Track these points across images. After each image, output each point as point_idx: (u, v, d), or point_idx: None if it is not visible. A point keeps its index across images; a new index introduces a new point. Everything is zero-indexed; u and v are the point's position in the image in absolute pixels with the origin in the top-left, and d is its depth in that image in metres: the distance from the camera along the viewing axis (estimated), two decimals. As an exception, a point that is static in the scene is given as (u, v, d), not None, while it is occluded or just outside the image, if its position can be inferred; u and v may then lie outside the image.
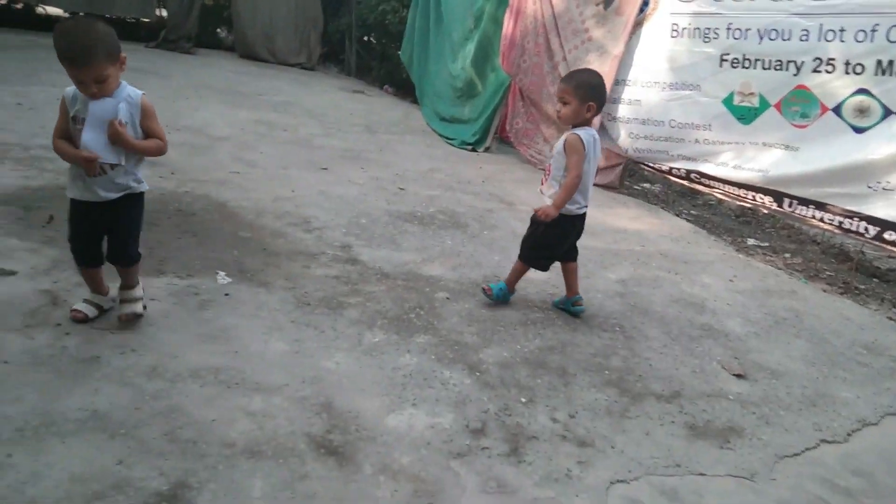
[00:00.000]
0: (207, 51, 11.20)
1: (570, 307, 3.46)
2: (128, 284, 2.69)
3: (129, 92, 2.43)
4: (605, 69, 5.85)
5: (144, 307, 2.72)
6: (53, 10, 10.59)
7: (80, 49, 2.21)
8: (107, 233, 2.59)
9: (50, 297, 2.74)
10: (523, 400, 2.63)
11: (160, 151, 2.57)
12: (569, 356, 3.03)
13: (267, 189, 4.62)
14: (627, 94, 5.96)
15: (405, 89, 10.41)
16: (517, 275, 3.46)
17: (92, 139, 2.36)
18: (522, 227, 4.86)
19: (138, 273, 2.72)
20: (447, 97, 8.18)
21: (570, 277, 3.46)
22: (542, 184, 3.27)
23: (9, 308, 2.61)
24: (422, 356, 2.80)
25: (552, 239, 3.33)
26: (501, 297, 3.43)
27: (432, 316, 3.19)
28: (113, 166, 2.43)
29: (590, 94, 3.01)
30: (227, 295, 3.03)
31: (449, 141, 7.54)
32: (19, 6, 10.18)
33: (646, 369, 3.04)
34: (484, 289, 3.45)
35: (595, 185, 6.51)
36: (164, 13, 10.77)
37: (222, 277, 3.18)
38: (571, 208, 3.24)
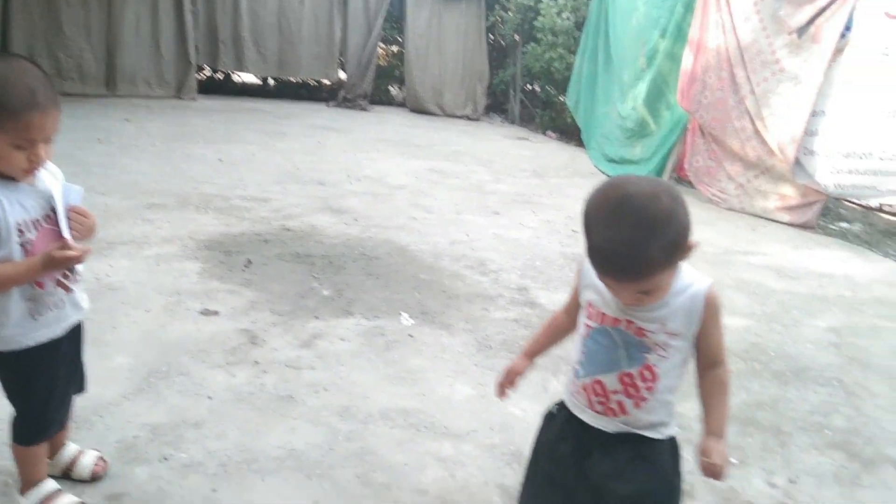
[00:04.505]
0: (381, 107, 11.82)
1: None
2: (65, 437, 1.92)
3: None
4: (801, 100, 5.38)
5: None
6: (248, 77, 11.74)
7: None
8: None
9: (248, 336, 2.86)
10: (734, 461, 2.33)
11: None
12: (782, 413, 2.68)
13: (443, 233, 4.66)
14: (827, 125, 5.43)
15: (569, 134, 10.31)
16: None
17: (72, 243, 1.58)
18: (712, 271, 4.54)
19: None
20: (616, 139, 7.96)
21: None
22: (632, 406, 1.44)
23: (213, 346, 2.75)
24: (614, 407, 2.59)
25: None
26: None
27: (621, 363, 2.97)
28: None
29: (685, 243, 1.29)
30: (411, 336, 3.02)
31: (621, 183, 7.30)
32: (220, 76, 11.38)
33: (876, 431, 2.62)
34: None
35: (790, 224, 6.10)
36: (343, 75, 11.54)
37: (406, 319, 3.19)
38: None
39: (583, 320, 1.50)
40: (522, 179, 6.98)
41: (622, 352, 1.42)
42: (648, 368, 1.41)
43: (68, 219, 1.61)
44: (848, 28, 5.28)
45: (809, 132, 5.51)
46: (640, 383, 1.42)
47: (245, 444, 2.13)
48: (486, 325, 3.24)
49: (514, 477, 2.09)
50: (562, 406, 1.57)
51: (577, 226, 5.22)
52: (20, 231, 1.52)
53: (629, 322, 1.40)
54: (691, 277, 1.41)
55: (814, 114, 5.49)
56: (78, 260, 1.54)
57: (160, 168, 5.61)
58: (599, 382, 1.45)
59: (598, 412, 1.46)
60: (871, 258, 5.16)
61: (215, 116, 8.72)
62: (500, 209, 5.56)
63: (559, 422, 1.55)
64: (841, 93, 5.36)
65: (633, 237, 1.23)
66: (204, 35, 10.14)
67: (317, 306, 3.24)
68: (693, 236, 1.30)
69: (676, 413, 1.50)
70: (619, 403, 1.44)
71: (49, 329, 1.63)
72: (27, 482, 1.73)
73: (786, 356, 3.22)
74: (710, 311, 1.40)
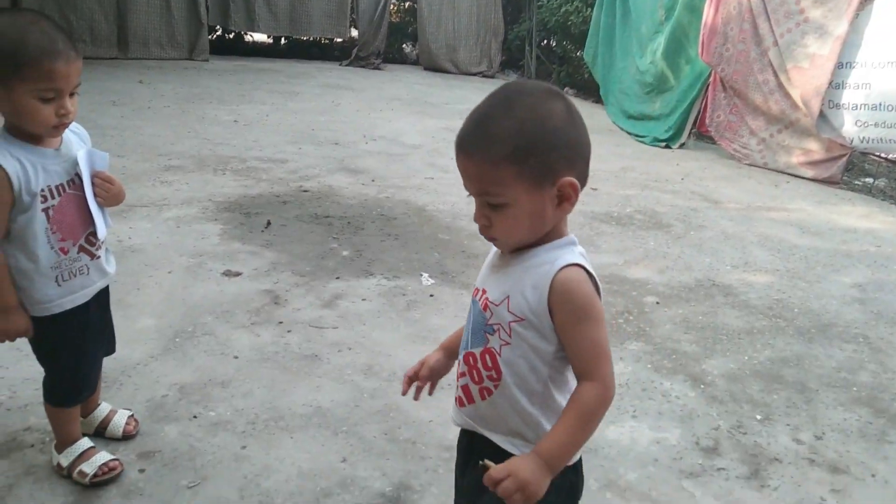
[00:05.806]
0: (394, 65, 11.67)
1: None
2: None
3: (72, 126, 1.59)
4: (826, 51, 5.24)
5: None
6: (259, 37, 11.60)
7: None
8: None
9: (272, 297, 2.87)
10: (759, 417, 2.33)
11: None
12: (807, 370, 2.66)
13: (460, 193, 4.60)
14: (854, 77, 5.29)
15: (586, 90, 10.13)
16: None
17: (97, 209, 1.62)
18: (734, 228, 4.49)
19: None
20: (634, 94, 7.81)
21: None
22: (477, 394, 1.17)
23: (237, 307, 2.77)
24: (637, 364, 2.59)
25: None
26: None
27: (643, 322, 2.96)
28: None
29: (563, 156, 1.06)
30: (431, 296, 3.02)
31: (639, 139, 7.18)
32: (231, 36, 11.25)
33: (902, 388, 2.60)
34: None
35: (813, 179, 5.99)
36: (355, 33, 11.37)
37: (426, 279, 3.19)
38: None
39: None
40: (539, 137, 6.88)
41: (470, 327, 1.19)
42: (490, 353, 1.14)
43: (94, 185, 1.60)
44: (878, -25, 5.10)
45: (835, 85, 5.37)
46: (482, 369, 1.15)
47: (272, 402, 2.16)
48: (507, 283, 3.23)
49: (539, 434, 2.10)
50: None
51: (596, 183, 5.16)
52: (44, 197, 1.51)
53: (483, 292, 1.17)
54: (559, 254, 1.10)
55: (839, 66, 5.34)
56: (18, 336, 1.59)
57: (175, 130, 5.59)
58: (459, 362, 1.23)
59: (456, 398, 1.23)
60: (897, 213, 5.08)
61: (228, 77, 8.65)
62: (517, 167, 5.50)
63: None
64: (868, 43, 5.20)
65: (491, 108, 1.06)
66: (214, -6, 10.00)
67: (337, 267, 3.24)
68: (569, 176, 1.06)
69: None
70: (465, 389, 1.19)
71: (74, 296, 1.63)
72: (62, 441, 1.76)
73: (810, 312, 3.19)
74: (558, 298, 1.06)
